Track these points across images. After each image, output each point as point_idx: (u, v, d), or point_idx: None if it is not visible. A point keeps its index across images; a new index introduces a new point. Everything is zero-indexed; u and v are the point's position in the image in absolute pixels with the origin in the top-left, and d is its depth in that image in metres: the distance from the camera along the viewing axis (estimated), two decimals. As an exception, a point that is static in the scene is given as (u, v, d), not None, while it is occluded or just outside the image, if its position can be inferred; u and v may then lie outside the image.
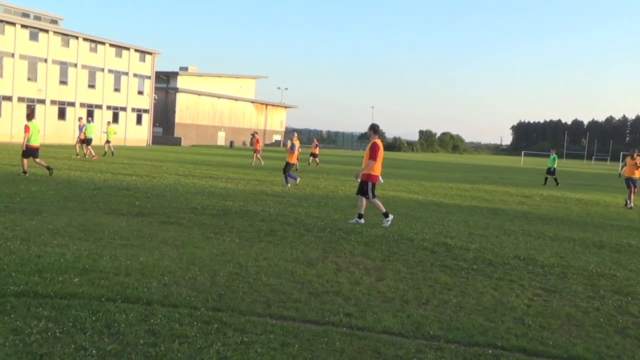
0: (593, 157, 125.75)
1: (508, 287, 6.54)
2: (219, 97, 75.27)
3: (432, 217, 12.29)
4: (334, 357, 4.17)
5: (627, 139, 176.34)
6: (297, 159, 19.48)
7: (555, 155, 27.68)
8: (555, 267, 7.73)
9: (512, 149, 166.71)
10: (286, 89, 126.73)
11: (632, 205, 17.55)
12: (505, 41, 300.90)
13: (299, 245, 8.25)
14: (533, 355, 4.47)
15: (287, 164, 18.68)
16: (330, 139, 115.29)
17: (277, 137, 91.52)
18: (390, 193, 17.45)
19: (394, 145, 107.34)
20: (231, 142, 72.29)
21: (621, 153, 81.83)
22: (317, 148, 32.78)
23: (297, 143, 19.61)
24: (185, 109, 68.18)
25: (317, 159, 32.00)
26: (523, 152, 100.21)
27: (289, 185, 17.91)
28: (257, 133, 32.32)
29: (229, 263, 6.80)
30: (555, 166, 27.30)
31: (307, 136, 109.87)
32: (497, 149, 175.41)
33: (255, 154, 30.41)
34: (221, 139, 75.46)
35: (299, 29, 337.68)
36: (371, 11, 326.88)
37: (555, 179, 26.97)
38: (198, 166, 25.55)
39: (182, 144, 61.36)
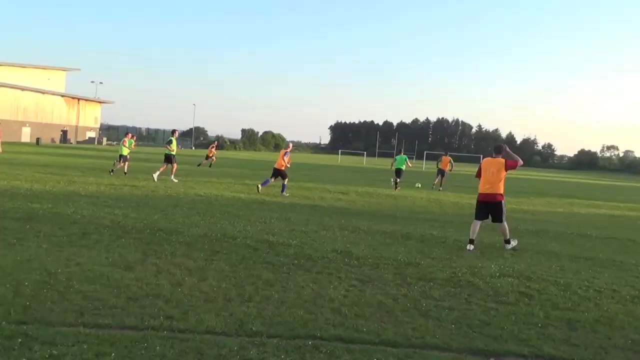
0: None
1: (326, 279, 6.85)
2: (22, 89, 68.60)
3: (255, 214, 12.43)
4: (154, 362, 4.03)
5: (429, 139, 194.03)
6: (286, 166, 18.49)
7: (406, 156, 26.53)
8: (368, 259, 8.25)
9: (331, 148, 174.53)
10: (101, 83, 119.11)
11: (441, 189, 23.56)
12: (323, 45, 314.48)
13: (116, 248, 7.83)
14: (349, 343, 4.73)
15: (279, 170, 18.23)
16: (150, 137, 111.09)
17: (91, 134, 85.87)
18: (213, 192, 17.30)
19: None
20: (38, 139, 66.23)
21: (425, 152, 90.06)
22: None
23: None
24: (-19, 102, 61.13)
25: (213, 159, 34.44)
26: (340, 150, 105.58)
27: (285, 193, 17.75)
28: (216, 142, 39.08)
29: (36, 271, 6.23)
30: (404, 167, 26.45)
31: (125, 133, 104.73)
32: (316, 148, 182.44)
33: (209, 159, 34.35)
34: (26, 136, 68.94)
35: (115, 19, 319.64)
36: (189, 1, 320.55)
37: (396, 182, 26.01)
38: (-2, 165, 23.00)
39: (-23, 140, 54.85)
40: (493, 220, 10.44)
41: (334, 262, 7.91)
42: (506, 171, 10.35)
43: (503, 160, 10.39)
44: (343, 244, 9.33)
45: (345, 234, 10.58)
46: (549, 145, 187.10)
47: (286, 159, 18.49)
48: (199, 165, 33.73)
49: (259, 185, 18.21)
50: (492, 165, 10.41)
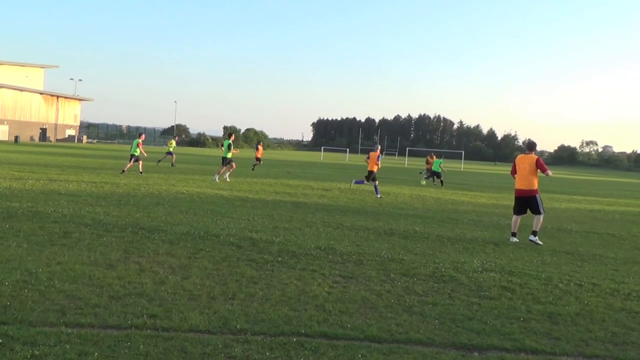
0: (384, 152, 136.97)
1: (310, 276, 6.85)
2: (0, 86, 67.51)
3: (238, 212, 12.39)
4: (138, 361, 4.00)
5: (412, 135, 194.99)
6: None
7: (440, 160, 28.63)
8: (352, 255, 8.27)
9: (313, 145, 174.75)
10: (80, 80, 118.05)
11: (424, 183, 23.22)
12: (305, 41, 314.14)
13: (98, 247, 7.75)
14: (333, 339, 4.73)
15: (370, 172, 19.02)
16: (131, 135, 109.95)
17: (71, 132, 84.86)
18: (196, 189, 17.21)
19: (198, 141, 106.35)
20: (16, 137, 65.28)
21: (407, 148, 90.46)
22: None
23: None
24: (-43, 99, 60.12)
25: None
26: (323, 147, 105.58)
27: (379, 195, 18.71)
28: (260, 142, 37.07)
29: (16, 270, 6.14)
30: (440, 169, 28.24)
31: (105, 131, 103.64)
32: (299, 145, 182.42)
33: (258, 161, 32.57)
34: (3, 134, 67.97)
35: (95, 16, 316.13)
36: None
37: (441, 180, 28.14)
38: (-25, 164, 22.62)
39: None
40: (532, 212, 10.82)
41: (318, 258, 7.91)
42: (537, 168, 10.81)
43: (535, 157, 10.87)
44: (326, 241, 9.34)
45: (328, 230, 10.59)
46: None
47: (379, 162, 19.45)
48: (253, 168, 32.10)
49: (353, 182, 20.83)
50: (524, 161, 10.90)
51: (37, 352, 3.98)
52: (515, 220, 10.90)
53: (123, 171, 22.51)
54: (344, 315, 5.39)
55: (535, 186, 10.82)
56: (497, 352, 4.74)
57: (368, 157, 19.70)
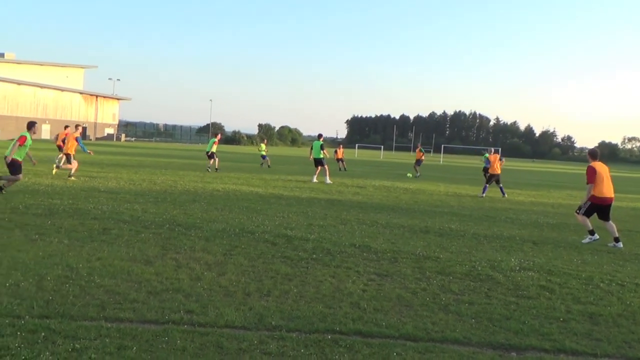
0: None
1: (345, 274, 6.84)
2: (42, 87, 69.36)
3: (273, 209, 12.46)
4: (175, 356, 4.06)
5: (447, 132, 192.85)
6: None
7: (486, 155, 25.37)
8: (387, 253, 8.23)
9: (347, 142, 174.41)
10: (118, 79, 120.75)
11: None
12: (338, 40, 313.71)
13: (136, 243, 7.89)
14: (368, 337, 4.72)
15: (492, 175, 19.16)
16: (168, 133, 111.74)
17: (110, 131, 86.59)
18: (231, 187, 17.37)
19: (233, 138, 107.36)
20: (57, 136, 67.00)
21: (442, 145, 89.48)
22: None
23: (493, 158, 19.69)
24: (2, 100, 61.91)
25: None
26: (357, 144, 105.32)
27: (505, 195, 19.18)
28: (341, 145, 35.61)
29: (58, 266, 6.31)
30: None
31: (143, 129, 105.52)
32: (333, 142, 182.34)
33: (340, 163, 32.25)
34: (46, 133, 69.63)
35: (132, 17, 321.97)
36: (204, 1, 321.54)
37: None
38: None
39: (-1, 137, 55.65)
40: (604, 219, 10.65)
41: (353, 256, 7.89)
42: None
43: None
44: (361, 238, 9.31)
45: (363, 228, 10.56)
46: (569, 138, 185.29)
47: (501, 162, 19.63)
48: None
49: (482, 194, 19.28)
50: (605, 168, 10.90)
51: (78, 346, 4.08)
52: (587, 220, 10.72)
53: (213, 169, 24.52)
54: (378, 313, 5.36)
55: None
56: (536, 352, 4.65)
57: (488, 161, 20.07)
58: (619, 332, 5.23)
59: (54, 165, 18.68)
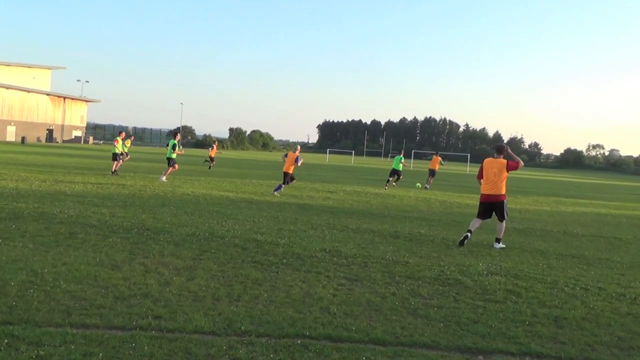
0: (389, 154, 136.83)
1: (315, 278, 6.84)
2: (8, 87, 67.87)
3: (243, 214, 12.40)
4: (143, 362, 4.00)
5: (417, 138, 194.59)
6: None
7: (401, 157, 26.53)
8: (357, 258, 8.26)
9: (319, 147, 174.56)
10: (87, 81, 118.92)
11: (427, 186, 23.88)
12: (311, 44, 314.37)
13: (103, 247, 7.77)
14: (338, 342, 4.73)
15: (286, 173, 18.31)
16: (138, 136, 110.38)
17: (78, 133, 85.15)
18: (201, 191, 17.24)
19: (204, 142, 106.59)
20: (23, 138, 65.59)
21: (412, 151, 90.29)
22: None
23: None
24: (-35, 100, 60.44)
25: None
26: (328, 149, 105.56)
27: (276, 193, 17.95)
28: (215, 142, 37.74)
29: (22, 271, 6.16)
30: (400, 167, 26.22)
31: (111, 132, 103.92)
32: (305, 147, 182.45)
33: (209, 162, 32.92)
34: (11, 134, 68.25)
35: (102, 18, 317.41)
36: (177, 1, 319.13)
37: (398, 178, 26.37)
38: (-18, 164, 22.73)
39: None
40: (497, 218, 10.47)
41: (323, 261, 7.90)
42: (507, 172, 10.34)
43: (504, 161, 10.38)
44: (331, 243, 9.33)
45: (333, 232, 10.58)
46: (536, 144, 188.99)
47: (299, 162, 18.50)
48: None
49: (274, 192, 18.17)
50: (493, 165, 10.40)
51: (42, 353, 3.99)
52: (476, 222, 10.50)
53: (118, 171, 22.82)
54: (348, 318, 5.38)
55: (503, 191, 10.42)
56: (502, 355, 4.72)
57: (285, 156, 18.79)
58: (582, 335, 5.35)
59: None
